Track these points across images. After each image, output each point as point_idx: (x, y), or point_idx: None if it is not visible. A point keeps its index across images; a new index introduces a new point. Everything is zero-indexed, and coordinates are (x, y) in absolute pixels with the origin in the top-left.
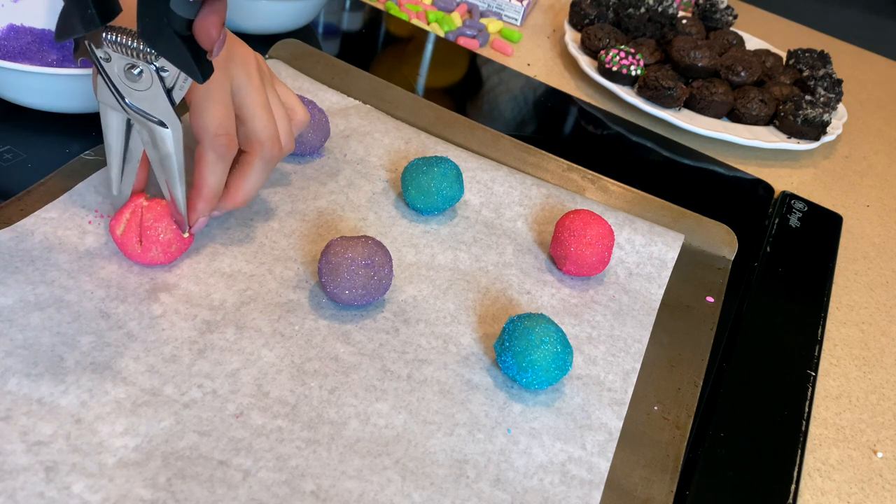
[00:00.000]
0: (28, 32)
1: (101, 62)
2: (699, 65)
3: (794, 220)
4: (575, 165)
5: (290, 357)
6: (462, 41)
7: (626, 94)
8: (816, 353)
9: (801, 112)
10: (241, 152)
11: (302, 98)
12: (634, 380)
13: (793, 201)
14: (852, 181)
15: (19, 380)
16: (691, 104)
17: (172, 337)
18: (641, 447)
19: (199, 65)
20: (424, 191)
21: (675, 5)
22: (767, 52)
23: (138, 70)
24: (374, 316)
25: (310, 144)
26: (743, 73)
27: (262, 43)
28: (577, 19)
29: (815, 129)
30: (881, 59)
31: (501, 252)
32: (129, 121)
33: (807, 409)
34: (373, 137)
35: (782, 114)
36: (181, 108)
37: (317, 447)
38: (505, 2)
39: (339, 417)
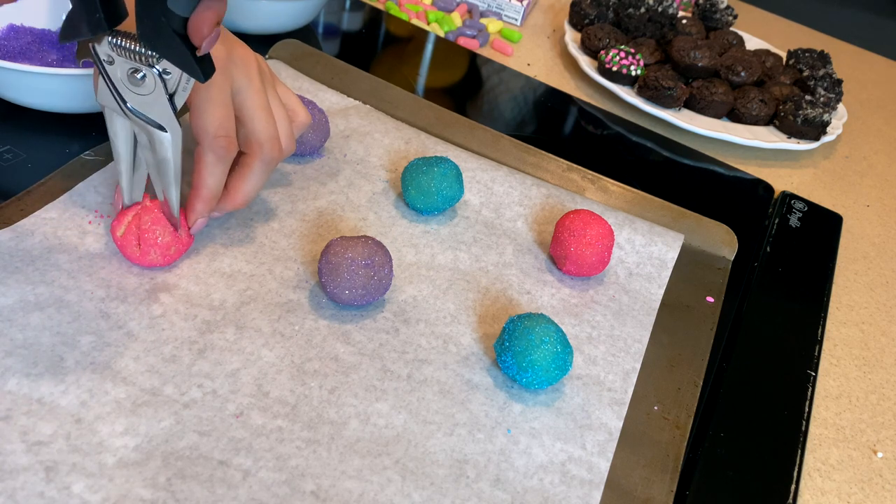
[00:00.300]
0: (28, 32)
1: (105, 65)
2: (699, 65)
3: (794, 220)
4: (575, 165)
5: (290, 357)
6: (462, 41)
7: (626, 94)
8: (816, 353)
9: (801, 112)
10: (240, 154)
11: (302, 98)
12: (634, 380)
13: (793, 201)
14: (852, 181)
15: (19, 380)
16: (691, 104)
17: (172, 337)
18: (641, 447)
19: (199, 64)
20: (424, 191)
21: (675, 5)
22: (767, 52)
23: (141, 74)
24: (374, 316)
25: (310, 144)
26: (743, 73)
27: (262, 43)
28: (577, 19)
29: (815, 129)
30: (881, 59)
31: (501, 252)
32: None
33: (807, 409)
34: (373, 137)
35: (782, 114)
36: (181, 110)
37: (317, 447)
38: (505, 2)
39: (339, 417)
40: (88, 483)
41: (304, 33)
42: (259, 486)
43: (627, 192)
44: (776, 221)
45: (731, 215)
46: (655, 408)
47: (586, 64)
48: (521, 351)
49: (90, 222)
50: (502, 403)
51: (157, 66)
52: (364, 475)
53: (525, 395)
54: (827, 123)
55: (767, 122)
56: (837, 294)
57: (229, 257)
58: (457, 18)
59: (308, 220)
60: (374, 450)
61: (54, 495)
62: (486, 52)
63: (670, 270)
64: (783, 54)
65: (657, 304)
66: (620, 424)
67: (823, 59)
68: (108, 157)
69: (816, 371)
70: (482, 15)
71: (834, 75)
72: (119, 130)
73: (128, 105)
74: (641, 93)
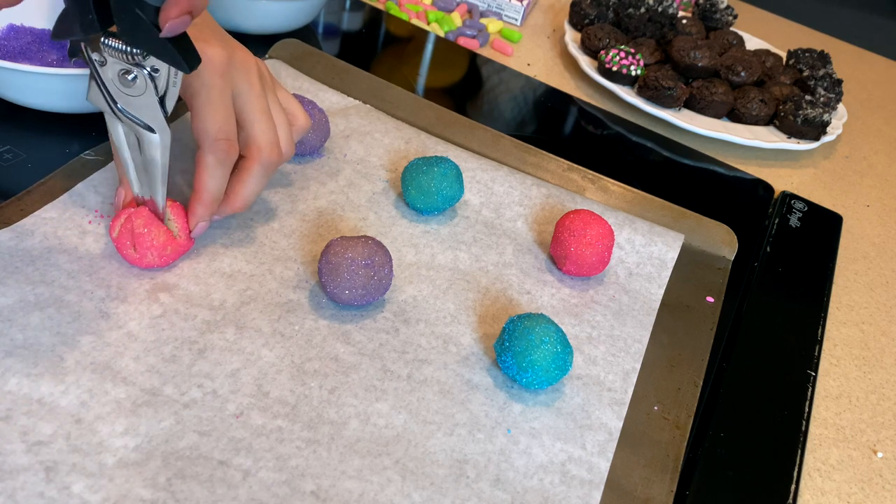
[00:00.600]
0: (28, 32)
1: (96, 65)
2: (699, 65)
3: (794, 220)
4: (575, 165)
5: (290, 357)
6: (462, 41)
7: (626, 94)
8: (816, 353)
9: (801, 112)
10: (240, 158)
11: (302, 98)
12: (634, 380)
13: (793, 201)
14: (852, 181)
15: (19, 380)
16: (691, 104)
17: (172, 337)
18: (641, 447)
19: (183, 55)
20: (424, 191)
21: (675, 5)
22: (767, 52)
23: (133, 75)
24: (374, 316)
25: (310, 144)
26: (743, 73)
27: (262, 43)
28: (577, 19)
29: (815, 129)
30: (881, 59)
31: (501, 252)
32: None
33: (807, 409)
34: (373, 137)
35: (782, 114)
36: (181, 110)
37: (317, 447)
38: (505, 2)
39: (339, 417)
40: (88, 483)
41: (304, 33)
42: (259, 486)
43: (627, 192)
44: (776, 221)
45: (731, 215)
46: (655, 408)
47: (586, 64)
48: (521, 351)
49: (90, 222)
50: (502, 403)
51: (145, 66)
52: (364, 475)
53: (525, 395)
54: (827, 123)
55: (767, 122)
56: (837, 294)
57: (229, 257)
58: (457, 18)
59: (308, 220)
60: (374, 450)
61: (54, 495)
62: (486, 52)
63: (670, 270)
64: (783, 54)
65: (657, 304)
66: (620, 424)
67: (823, 59)
68: (108, 157)
69: (816, 371)
70: (482, 15)
71: (834, 75)
72: (120, 134)
73: (118, 106)
74: (641, 93)
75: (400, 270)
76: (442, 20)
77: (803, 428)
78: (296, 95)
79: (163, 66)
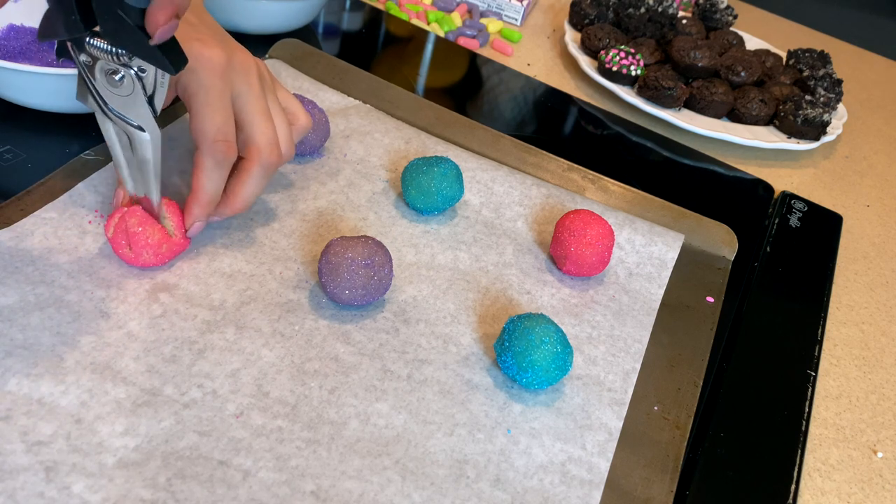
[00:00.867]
0: (28, 32)
1: (84, 66)
2: (699, 65)
3: (794, 220)
4: (575, 165)
5: (290, 357)
6: (462, 41)
7: (626, 94)
8: (816, 353)
9: (801, 112)
10: (240, 158)
11: (302, 98)
12: (634, 380)
13: (793, 201)
14: (852, 181)
15: (19, 380)
16: (691, 104)
17: (172, 337)
18: (641, 447)
19: (168, 56)
20: (424, 191)
21: (675, 5)
22: (767, 52)
23: (120, 76)
24: (374, 316)
25: (310, 144)
26: (743, 73)
27: (262, 43)
28: (577, 19)
29: (815, 129)
30: (881, 59)
31: (501, 252)
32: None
33: (807, 409)
34: (373, 137)
35: (782, 114)
36: (182, 109)
37: (317, 447)
38: (505, 2)
39: (339, 417)
40: (88, 483)
41: (304, 33)
42: (259, 486)
43: (627, 192)
44: (776, 221)
45: (731, 215)
46: (655, 408)
47: (586, 64)
48: (521, 351)
49: (90, 222)
50: (502, 403)
51: (132, 66)
52: (364, 475)
53: (525, 395)
54: (827, 123)
55: (767, 122)
56: (837, 294)
57: (229, 257)
58: (457, 18)
59: (308, 220)
60: (374, 450)
61: (54, 495)
62: (486, 52)
63: (670, 270)
64: (783, 54)
65: (657, 304)
66: (620, 424)
67: (823, 59)
68: (108, 157)
69: (816, 371)
70: (482, 15)
71: (834, 75)
72: (112, 134)
73: (109, 106)
74: (641, 93)
75: (400, 270)
76: (442, 20)
77: (803, 428)
78: (296, 95)
79: (150, 66)
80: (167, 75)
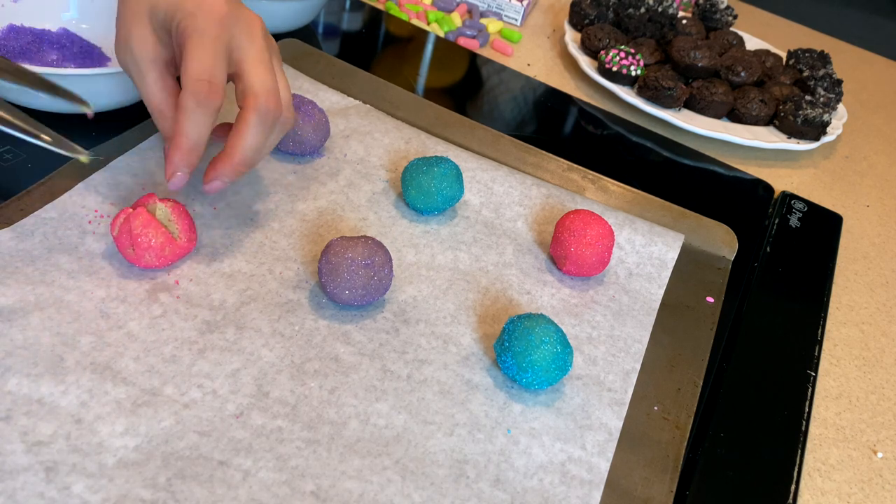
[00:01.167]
0: (28, 32)
1: None
2: (699, 65)
3: (794, 220)
4: (575, 165)
5: (290, 357)
6: (462, 41)
7: (626, 94)
8: (816, 353)
9: (801, 112)
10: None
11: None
12: (634, 380)
13: (793, 201)
14: (852, 181)
15: (19, 380)
16: (691, 104)
17: (172, 337)
18: (641, 447)
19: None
20: (424, 191)
21: (675, 5)
22: (767, 52)
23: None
24: (374, 316)
25: (310, 144)
26: (743, 73)
27: None
28: (577, 19)
29: (815, 129)
30: (881, 59)
31: (501, 252)
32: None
33: (807, 409)
34: (373, 137)
35: (782, 114)
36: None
37: (317, 447)
38: (505, 2)
39: (339, 417)
40: (88, 483)
41: (304, 33)
42: (259, 486)
43: (627, 192)
44: (776, 221)
45: (731, 215)
46: (655, 408)
47: (586, 64)
48: (521, 351)
49: (90, 222)
50: (502, 403)
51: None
52: (364, 475)
53: (525, 396)
54: (827, 123)
55: (767, 122)
56: (837, 294)
57: (229, 257)
58: (457, 18)
59: (308, 220)
60: (374, 450)
61: (54, 495)
62: (486, 52)
63: (670, 270)
64: (783, 54)
65: (657, 304)
66: (620, 424)
67: (823, 59)
68: (109, 157)
69: (816, 371)
70: (482, 15)
71: (834, 75)
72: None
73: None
74: (641, 93)
75: (400, 270)
76: (442, 20)
77: (803, 428)
78: (295, 95)
79: None
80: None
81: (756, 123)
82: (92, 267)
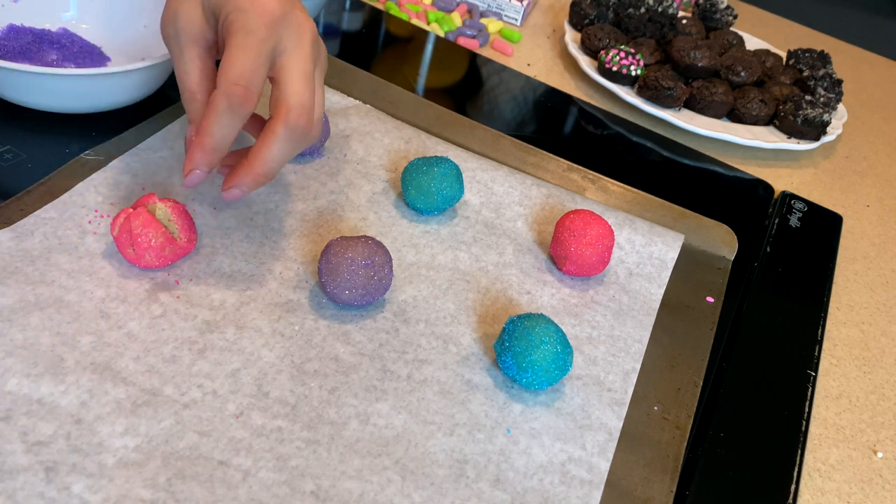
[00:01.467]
0: (28, 32)
1: None
2: (699, 65)
3: (794, 220)
4: (575, 165)
5: (290, 357)
6: (462, 41)
7: (626, 94)
8: (816, 353)
9: (801, 112)
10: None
11: None
12: (634, 380)
13: (793, 201)
14: (852, 181)
15: (19, 380)
16: (691, 104)
17: (172, 337)
18: (641, 447)
19: None
20: (424, 191)
21: (675, 5)
22: (767, 52)
23: None
24: (374, 316)
25: (310, 144)
26: (743, 73)
27: None
28: (577, 19)
29: (815, 129)
30: (881, 59)
31: (501, 252)
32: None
33: (807, 409)
34: (373, 137)
35: (782, 114)
36: (180, 111)
37: (317, 447)
38: (505, 2)
39: (339, 417)
40: (88, 483)
41: None
42: (259, 486)
43: (627, 192)
44: (776, 221)
45: (731, 215)
46: (655, 408)
47: (586, 64)
48: (521, 351)
49: (90, 222)
50: (502, 403)
51: None
52: (364, 475)
53: (525, 396)
54: (827, 123)
55: (767, 122)
56: (837, 294)
57: (229, 257)
58: (457, 18)
59: (308, 220)
60: (374, 450)
61: (54, 495)
62: (486, 52)
63: (670, 270)
64: (783, 54)
65: (657, 304)
66: (620, 424)
67: (823, 59)
68: (108, 157)
69: (816, 371)
70: (482, 15)
71: (834, 75)
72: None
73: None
74: (641, 93)
75: (400, 270)
76: (442, 20)
77: (803, 428)
78: None
79: None
80: None
81: (756, 123)
82: (92, 267)
